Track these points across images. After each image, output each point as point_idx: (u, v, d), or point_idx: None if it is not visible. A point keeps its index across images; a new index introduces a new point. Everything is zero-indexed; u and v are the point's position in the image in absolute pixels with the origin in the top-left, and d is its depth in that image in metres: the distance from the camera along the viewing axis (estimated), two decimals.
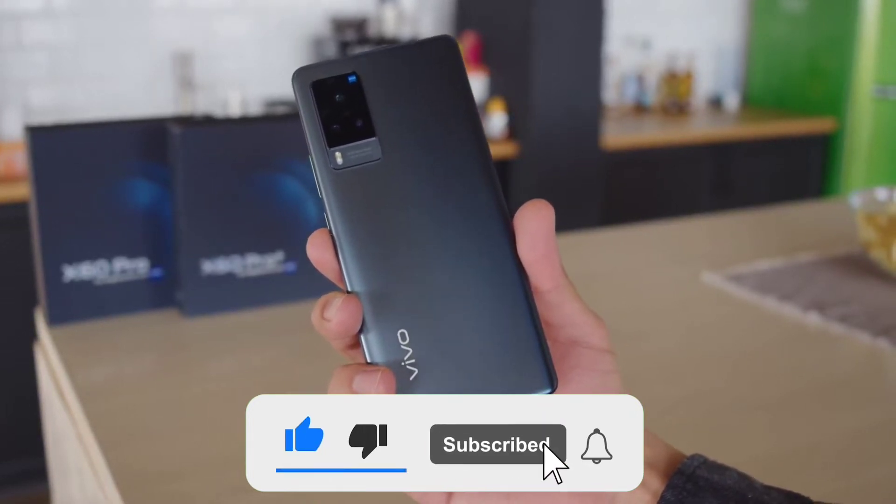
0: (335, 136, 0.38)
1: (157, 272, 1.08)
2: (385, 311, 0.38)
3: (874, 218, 1.20)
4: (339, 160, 0.38)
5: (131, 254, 1.06)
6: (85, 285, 1.04)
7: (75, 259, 1.03)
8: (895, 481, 0.74)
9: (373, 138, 0.38)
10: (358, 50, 2.87)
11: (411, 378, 0.37)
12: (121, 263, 1.06)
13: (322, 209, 0.38)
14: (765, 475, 0.76)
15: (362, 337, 0.38)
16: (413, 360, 0.37)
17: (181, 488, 0.72)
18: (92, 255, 1.04)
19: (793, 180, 3.49)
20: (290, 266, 1.10)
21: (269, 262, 1.09)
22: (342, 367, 0.38)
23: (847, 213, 1.50)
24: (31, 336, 1.27)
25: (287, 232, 1.09)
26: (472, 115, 0.39)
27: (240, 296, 1.08)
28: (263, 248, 1.08)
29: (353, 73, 0.39)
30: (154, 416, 0.85)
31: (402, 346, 0.37)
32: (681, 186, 3.25)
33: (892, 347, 0.99)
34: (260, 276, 1.09)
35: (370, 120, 0.38)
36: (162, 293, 1.09)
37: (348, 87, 0.38)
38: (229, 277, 1.07)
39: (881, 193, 1.30)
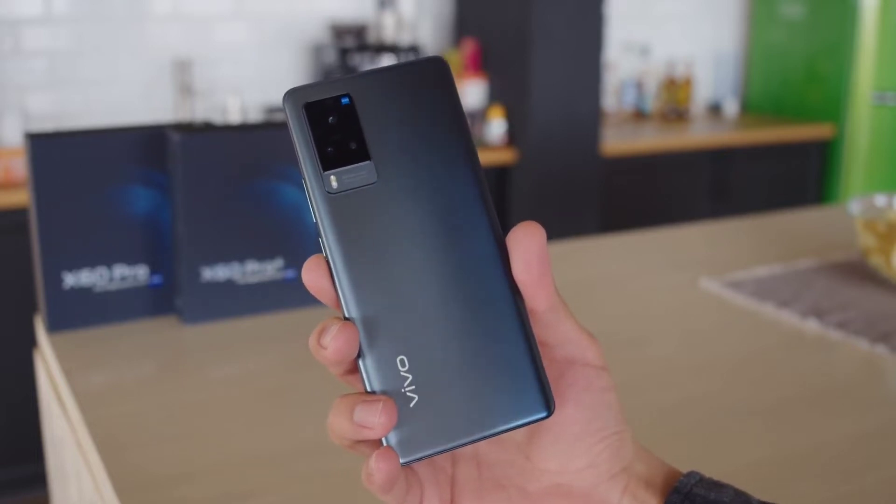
0: (329, 159, 0.37)
1: (156, 279, 1.08)
2: (383, 338, 0.37)
3: (873, 224, 1.20)
4: (335, 184, 0.37)
5: (131, 261, 1.06)
6: (84, 292, 1.05)
7: (75, 266, 1.04)
8: (893, 487, 0.74)
9: (368, 161, 0.37)
10: (357, 57, 2.87)
11: (411, 405, 0.37)
12: (120, 270, 1.06)
13: (317, 234, 0.38)
14: (763, 481, 0.77)
15: (361, 363, 0.37)
16: (413, 387, 0.37)
17: (179, 494, 0.72)
18: (91, 262, 1.04)
19: (791, 186, 3.49)
20: (290, 273, 1.10)
21: (269, 269, 1.09)
22: (342, 398, 0.37)
23: (846, 219, 1.50)
24: (31, 342, 1.27)
25: (286, 239, 1.09)
26: (465, 138, 0.38)
27: (239, 303, 1.08)
28: (263, 255, 1.08)
29: (346, 95, 0.38)
30: (153, 422, 0.85)
31: (402, 373, 0.37)
32: (679, 193, 3.25)
33: (890, 353, 0.99)
34: (259, 283, 1.09)
35: (364, 143, 0.37)
36: (161, 300, 1.09)
37: (342, 109, 0.38)
38: (229, 284, 1.07)
39: (880, 200, 1.30)
